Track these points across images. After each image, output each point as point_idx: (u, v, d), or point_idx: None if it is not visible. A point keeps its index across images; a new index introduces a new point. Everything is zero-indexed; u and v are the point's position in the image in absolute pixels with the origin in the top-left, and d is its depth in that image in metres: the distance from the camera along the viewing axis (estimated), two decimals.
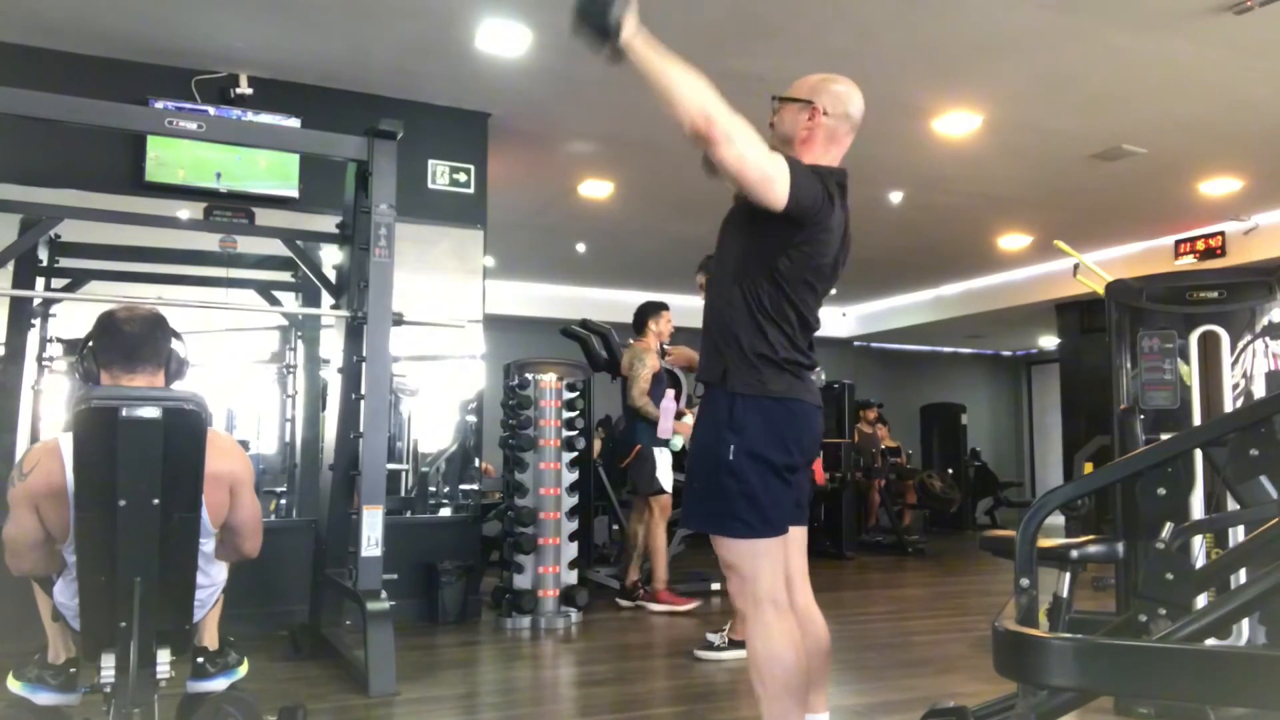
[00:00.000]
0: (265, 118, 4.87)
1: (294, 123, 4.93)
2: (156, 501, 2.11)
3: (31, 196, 4.17)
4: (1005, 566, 1.84)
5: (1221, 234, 7.79)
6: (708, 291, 2.37)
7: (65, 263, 4.71)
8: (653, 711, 3.42)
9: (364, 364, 3.91)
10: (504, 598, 4.98)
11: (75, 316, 4.60)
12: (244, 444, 4.35)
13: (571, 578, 5.14)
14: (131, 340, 2.35)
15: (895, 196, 7.06)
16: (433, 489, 5.82)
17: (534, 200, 7.34)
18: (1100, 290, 3.80)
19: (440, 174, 5.46)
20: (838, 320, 12.10)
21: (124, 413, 2.06)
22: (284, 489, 5.29)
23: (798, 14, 4.36)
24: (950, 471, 10.90)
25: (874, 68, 4.86)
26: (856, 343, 12.58)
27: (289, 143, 4.58)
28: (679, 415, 5.45)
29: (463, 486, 5.73)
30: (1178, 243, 8.13)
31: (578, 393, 5.37)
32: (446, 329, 5.33)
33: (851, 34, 4.53)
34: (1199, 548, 2.66)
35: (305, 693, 3.48)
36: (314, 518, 4.50)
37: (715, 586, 5.63)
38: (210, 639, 2.58)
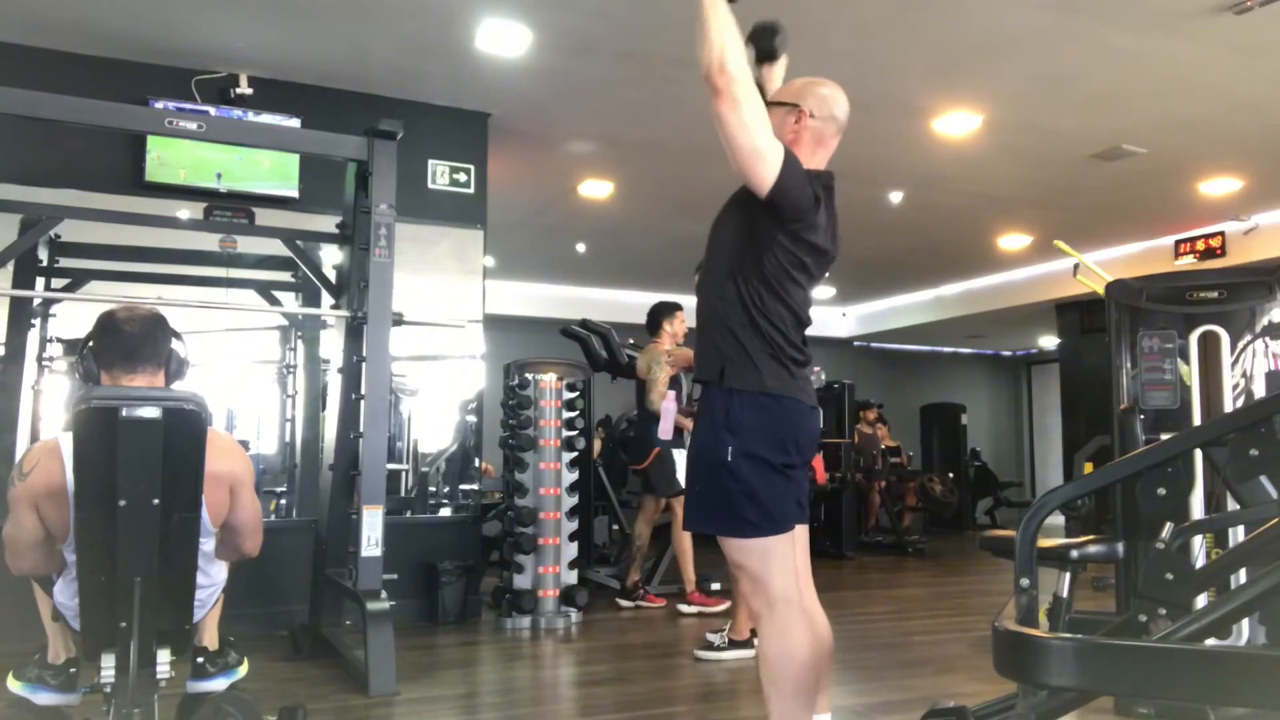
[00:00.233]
0: (265, 118, 4.87)
1: (294, 123, 4.93)
2: (156, 501, 2.11)
3: (31, 196, 4.17)
4: (1005, 566, 1.84)
5: (1221, 234, 7.79)
6: (700, 290, 2.38)
7: (65, 263, 4.71)
8: (653, 711, 3.42)
9: (364, 364, 3.91)
10: (504, 598, 4.98)
11: (75, 316, 4.60)
12: (244, 444, 4.36)
13: (571, 578, 5.14)
14: (132, 340, 2.35)
15: (895, 196, 7.06)
16: (433, 489, 5.82)
17: (534, 200, 7.34)
18: (1100, 290, 3.80)
19: (440, 174, 5.46)
20: (838, 320, 12.10)
21: (124, 413, 2.06)
22: (284, 489, 5.29)
23: (798, 14, 4.34)
24: (951, 475, 10.90)
25: (874, 68, 4.86)
26: (856, 343, 12.58)
27: (289, 143, 4.57)
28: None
29: (463, 486, 5.73)
30: (1178, 243, 8.13)
31: (578, 393, 5.37)
32: (446, 329, 5.33)
33: (851, 34, 4.53)
34: (1199, 548, 2.66)
35: (305, 693, 3.48)
36: (314, 518, 4.50)
37: (716, 586, 5.63)
38: (210, 639, 2.58)
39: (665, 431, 5.31)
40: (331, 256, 4.63)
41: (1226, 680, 1.15)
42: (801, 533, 2.37)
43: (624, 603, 5.53)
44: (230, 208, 4.92)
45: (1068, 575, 2.08)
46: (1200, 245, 7.96)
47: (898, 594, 6.71)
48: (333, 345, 4.36)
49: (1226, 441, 1.60)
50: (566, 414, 5.25)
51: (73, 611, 2.27)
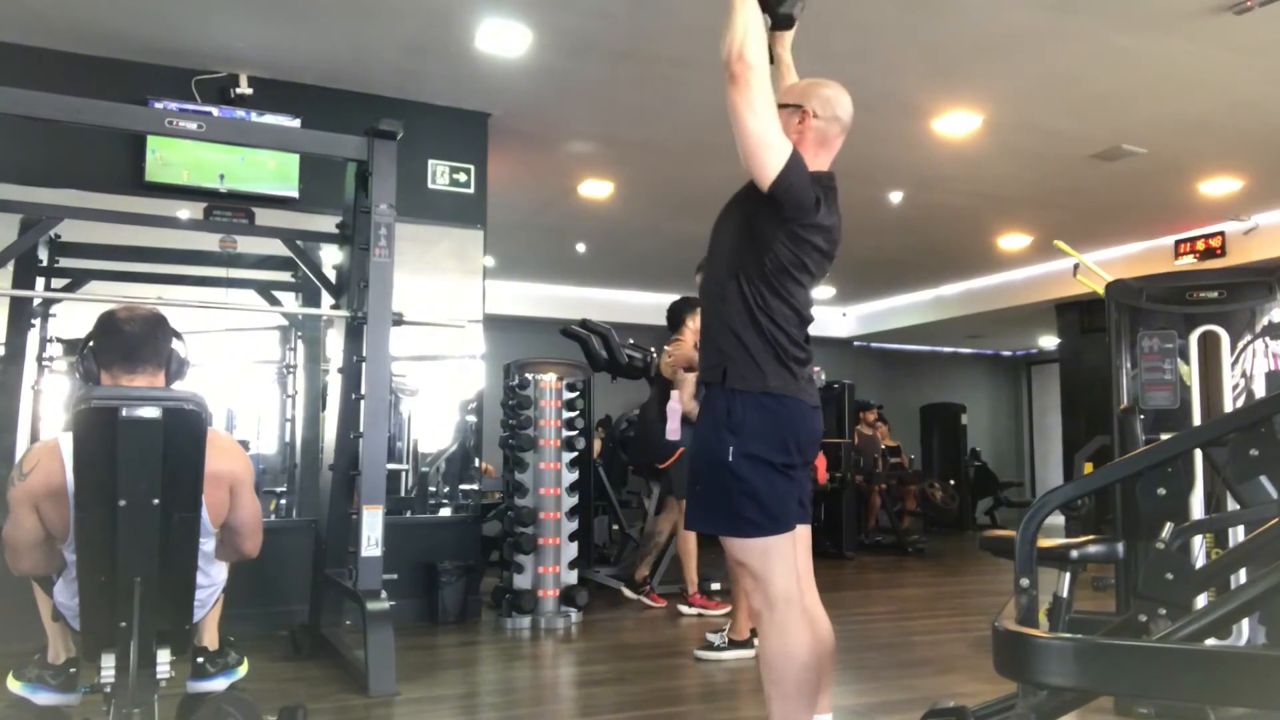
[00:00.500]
0: (265, 118, 4.87)
1: (294, 123, 4.93)
2: (156, 501, 2.11)
3: (31, 196, 4.17)
4: (1005, 566, 1.84)
5: (1221, 234, 7.79)
6: (702, 291, 2.39)
7: (65, 263, 4.71)
8: (653, 711, 3.42)
9: (364, 364, 3.91)
10: (504, 598, 4.98)
11: (75, 316, 4.60)
12: (244, 444, 4.36)
13: (571, 578, 5.14)
14: (132, 340, 2.35)
15: (895, 196, 7.06)
16: (433, 489, 5.82)
17: (534, 200, 7.34)
18: (1100, 290, 3.80)
19: (440, 174, 5.46)
20: (838, 320, 12.10)
21: (124, 412, 2.06)
22: (284, 489, 5.29)
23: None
24: (952, 482, 10.90)
25: (874, 68, 4.87)
26: (856, 343, 12.58)
27: (289, 143, 4.57)
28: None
29: (463, 486, 5.73)
30: (1178, 243, 8.13)
31: (578, 393, 5.37)
32: (446, 329, 5.33)
33: (851, 34, 4.53)
34: (1199, 548, 2.66)
35: (305, 693, 3.48)
36: (314, 518, 4.50)
37: (716, 586, 5.63)
38: (210, 639, 2.58)
39: (673, 431, 5.30)
40: (331, 256, 4.63)
41: (1226, 680, 1.15)
42: (804, 533, 2.37)
43: (628, 593, 5.53)
44: (230, 208, 4.92)
45: (1068, 575, 2.08)
46: (1200, 245, 7.96)
47: (898, 594, 6.71)
48: (333, 345, 4.35)
49: (1226, 441, 1.60)
50: (566, 414, 5.25)
51: (73, 611, 2.27)
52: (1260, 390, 3.31)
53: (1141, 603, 1.58)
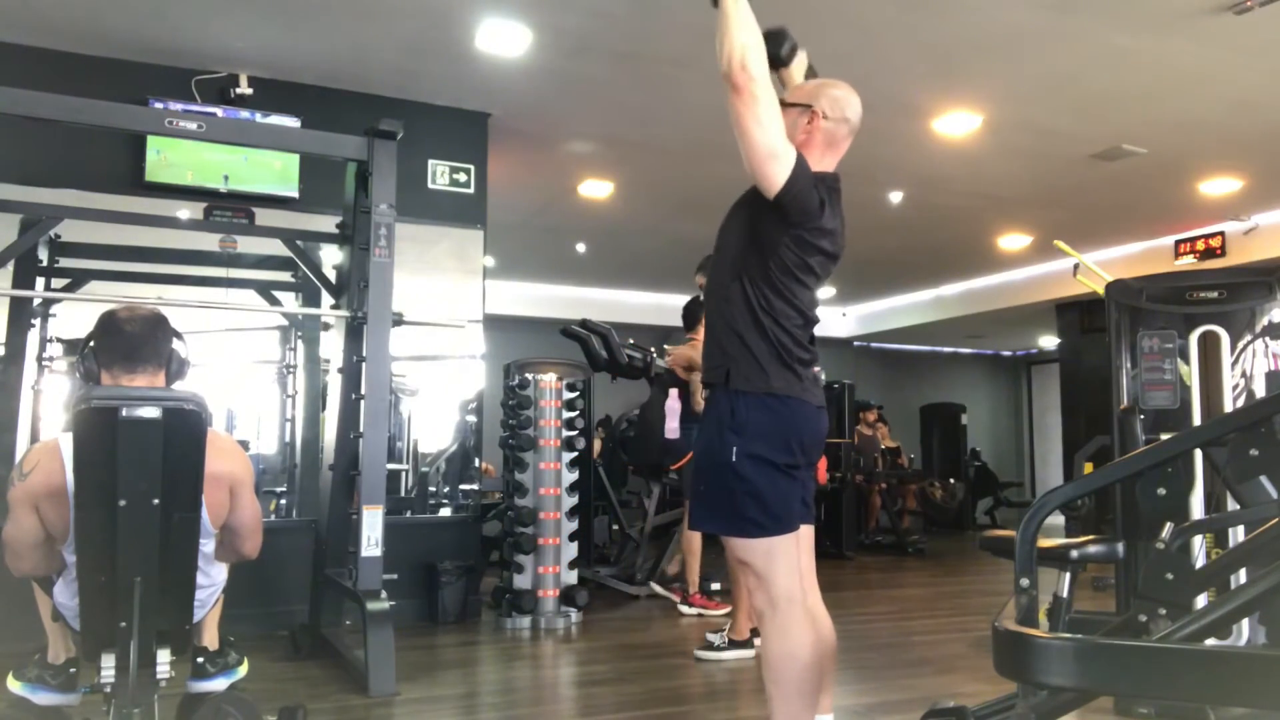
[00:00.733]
0: (268, 118, 4.87)
1: (294, 123, 4.93)
2: (156, 501, 2.11)
3: (31, 196, 4.17)
4: (1005, 566, 1.84)
5: (1221, 234, 7.79)
6: (707, 292, 2.38)
7: (65, 263, 4.71)
8: (653, 711, 3.42)
9: (364, 364, 3.91)
10: (504, 598, 4.98)
11: (75, 316, 4.60)
12: (244, 444, 4.35)
13: (571, 578, 5.14)
14: (132, 340, 2.35)
15: (895, 196, 7.06)
16: (433, 489, 5.82)
17: (534, 200, 7.34)
18: (1100, 290, 3.80)
19: (440, 174, 5.46)
20: (838, 320, 12.10)
21: (124, 413, 2.06)
22: (284, 489, 5.29)
23: (798, 14, 4.34)
24: (952, 481, 10.90)
25: (874, 68, 4.86)
26: (856, 343, 12.58)
27: (289, 143, 4.57)
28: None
29: (463, 486, 5.73)
30: (1178, 243, 8.13)
31: (578, 393, 5.37)
32: (446, 329, 5.33)
33: (851, 34, 4.53)
34: (1199, 548, 2.66)
35: (305, 693, 3.48)
36: (314, 518, 4.50)
37: (716, 586, 5.63)
38: (210, 639, 2.58)
39: (672, 431, 5.30)
40: (331, 256, 4.63)
41: (1226, 680, 1.15)
42: (807, 533, 2.37)
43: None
44: (230, 208, 4.92)
45: (1068, 575, 2.08)
46: (1200, 245, 7.96)
47: (898, 594, 6.71)
48: (333, 345, 4.35)
49: (1226, 441, 1.60)
50: (566, 414, 5.25)
51: (73, 611, 2.27)
52: (1260, 390, 3.31)
53: (1141, 603, 1.58)
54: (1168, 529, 1.61)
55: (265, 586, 4.43)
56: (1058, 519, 6.05)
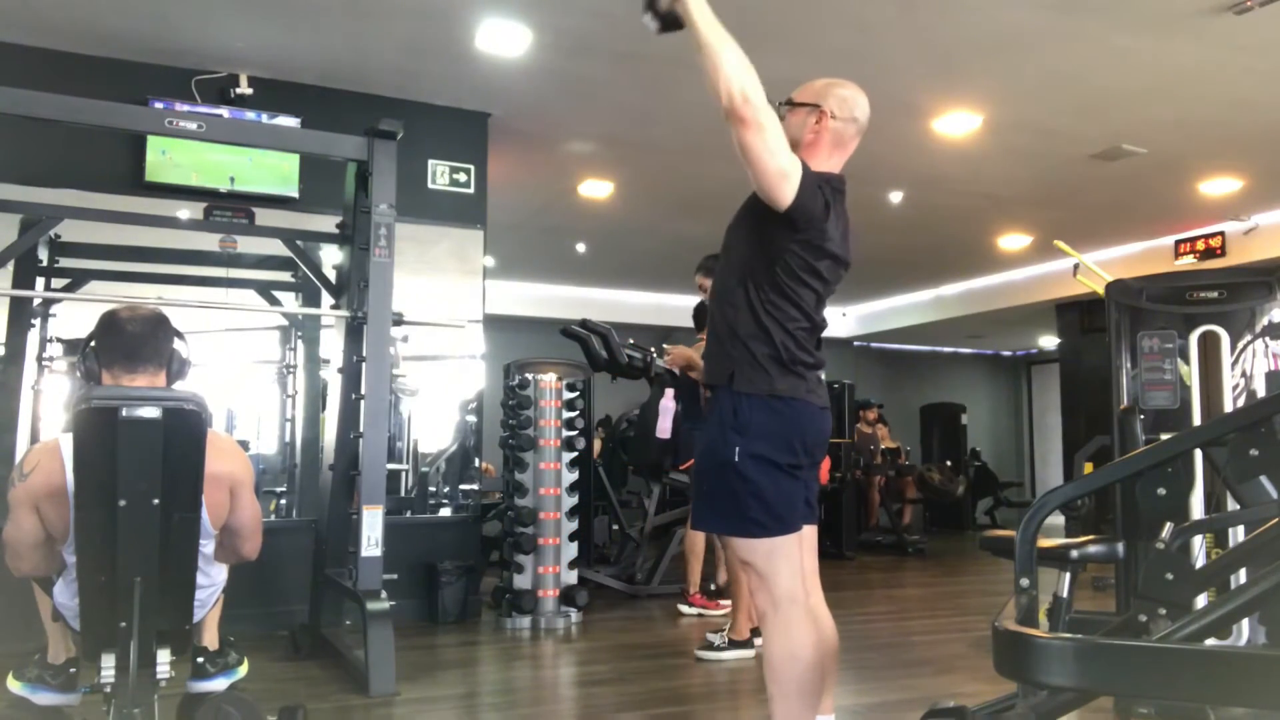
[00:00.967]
0: (268, 118, 4.88)
1: (294, 123, 4.93)
2: (156, 501, 2.11)
3: (31, 196, 4.17)
4: (1005, 566, 1.84)
5: (1221, 234, 7.79)
6: (713, 295, 2.37)
7: (65, 263, 4.71)
8: (653, 711, 3.42)
9: (364, 364, 3.91)
10: (504, 598, 4.98)
11: (75, 316, 4.60)
12: (244, 444, 4.36)
13: (571, 578, 5.14)
14: (133, 340, 2.35)
15: (895, 196, 7.06)
16: (433, 489, 5.82)
17: (534, 200, 7.34)
18: (1100, 290, 3.80)
19: (440, 174, 5.46)
20: (838, 320, 12.10)
21: (124, 413, 2.06)
22: (284, 489, 5.29)
23: (798, 14, 4.36)
24: (949, 463, 10.87)
25: (874, 68, 4.86)
26: (856, 343, 12.58)
27: (289, 143, 4.57)
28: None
29: (463, 486, 5.73)
30: (1178, 243, 8.13)
31: (578, 393, 5.37)
32: (446, 329, 5.33)
33: (851, 34, 4.53)
34: (1199, 548, 2.66)
35: (305, 693, 3.48)
36: (314, 518, 4.50)
37: (714, 587, 5.63)
38: (210, 639, 2.58)
39: (664, 430, 5.30)
40: (331, 256, 4.63)
41: (1226, 680, 1.15)
42: (810, 533, 2.37)
43: (686, 610, 5.48)
44: (230, 208, 4.92)
45: (1068, 575, 2.08)
46: (1200, 245, 7.96)
47: (898, 594, 6.71)
48: (333, 345, 4.36)
49: (1226, 441, 1.60)
50: (566, 414, 5.25)
51: (73, 611, 2.27)
52: (1260, 390, 3.31)
53: (1141, 603, 1.58)
54: (1168, 529, 1.61)
55: (265, 586, 4.43)
56: (1058, 519, 6.05)
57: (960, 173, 6.58)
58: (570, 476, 5.21)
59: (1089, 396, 8.78)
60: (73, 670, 2.49)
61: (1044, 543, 1.82)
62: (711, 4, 2.14)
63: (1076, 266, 4.57)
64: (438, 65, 4.97)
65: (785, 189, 2.07)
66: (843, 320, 12.15)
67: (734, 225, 2.32)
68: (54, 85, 3.79)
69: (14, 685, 2.46)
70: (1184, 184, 6.80)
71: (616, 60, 4.83)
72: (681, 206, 7.19)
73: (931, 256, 9.19)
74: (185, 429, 2.14)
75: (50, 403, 4.59)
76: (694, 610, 5.29)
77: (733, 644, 4.15)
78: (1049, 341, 12.20)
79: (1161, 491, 1.59)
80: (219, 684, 2.52)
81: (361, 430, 3.82)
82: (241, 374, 5.37)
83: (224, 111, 4.79)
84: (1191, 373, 3.33)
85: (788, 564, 2.17)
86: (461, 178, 5.51)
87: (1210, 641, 1.32)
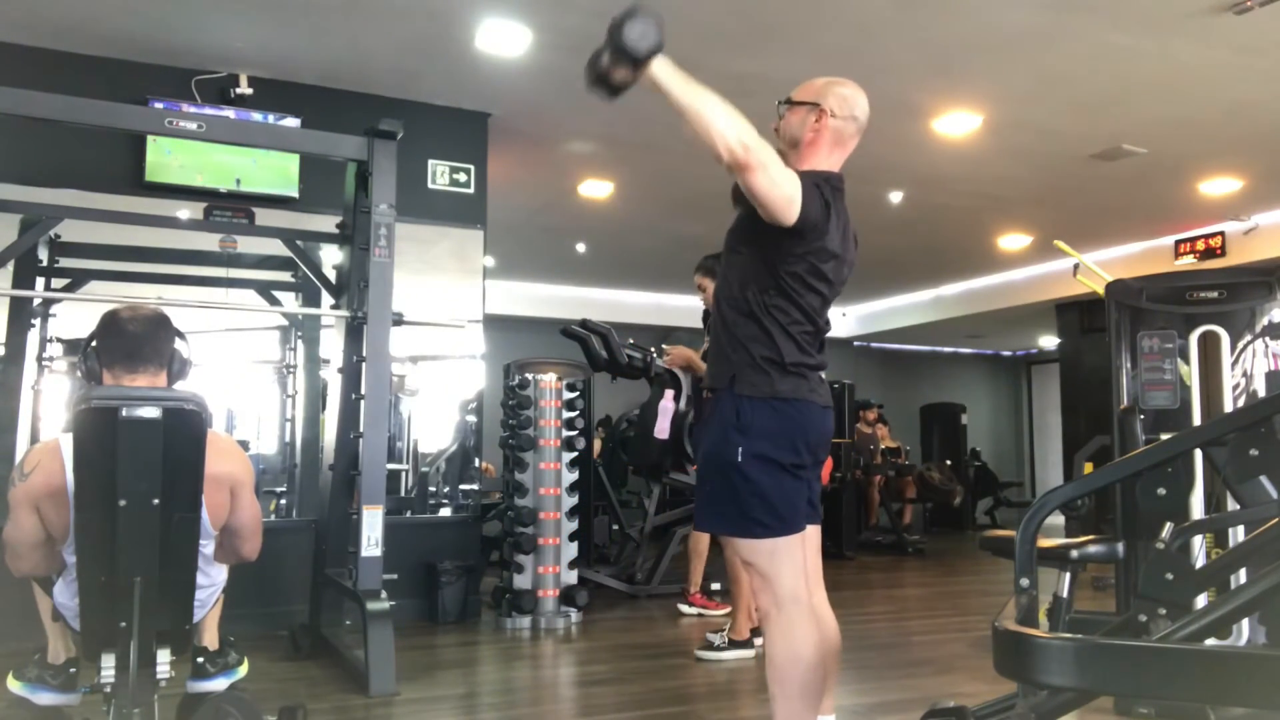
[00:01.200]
0: (277, 119, 4.89)
1: (294, 123, 4.93)
2: (156, 501, 2.11)
3: (31, 196, 4.17)
4: (1005, 566, 1.84)
5: (1221, 234, 7.79)
6: (715, 299, 2.37)
7: (65, 263, 4.71)
8: (653, 711, 3.42)
9: (364, 364, 3.91)
10: (504, 598, 4.98)
11: (75, 316, 4.60)
12: (244, 444, 4.36)
13: (571, 578, 5.14)
14: (134, 340, 2.35)
15: (895, 196, 7.06)
16: (433, 489, 5.82)
17: (534, 200, 7.34)
18: (1100, 290, 3.80)
19: (440, 174, 5.46)
20: (838, 320, 12.09)
21: (124, 412, 2.06)
22: (284, 489, 5.29)
23: (798, 14, 4.36)
24: (949, 463, 10.87)
25: (874, 68, 4.86)
26: (856, 343, 12.58)
27: (289, 143, 4.57)
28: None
29: (463, 486, 5.73)
30: (1178, 243, 8.13)
31: (578, 393, 5.37)
32: (446, 329, 5.33)
33: (851, 34, 4.53)
34: (1199, 548, 2.66)
35: (305, 693, 3.48)
36: (314, 518, 4.50)
37: (715, 586, 5.63)
38: (210, 639, 2.58)
39: (662, 431, 5.30)
40: (331, 256, 4.63)
41: (1226, 680, 1.15)
42: (813, 533, 2.37)
43: (686, 610, 5.47)
44: (230, 208, 4.92)
45: (1068, 575, 2.08)
46: (1200, 245, 7.96)
47: (898, 594, 6.72)
48: (333, 345, 4.36)
49: (1226, 441, 1.60)
50: (566, 414, 5.25)
51: (73, 611, 2.27)
52: (1260, 390, 3.31)
53: (1141, 603, 1.58)
54: (1168, 529, 1.61)
55: (265, 586, 4.43)
56: (1058, 519, 6.05)
57: (960, 173, 6.58)
58: (570, 476, 5.21)
59: (1089, 396, 8.78)
60: (73, 670, 2.48)
61: (1044, 543, 1.82)
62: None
63: (1076, 266, 4.57)
64: (438, 65, 4.97)
65: (792, 211, 2.08)
66: (843, 320, 12.15)
67: (735, 229, 2.32)
68: (54, 85, 3.79)
69: (14, 685, 2.46)
70: (1184, 184, 6.80)
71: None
72: (681, 206, 7.19)
73: (931, 256, 9.19)
74: (185, 429, 2.14)
75: (50, 403, 4.59)
76: (694, 610, 5.29)
77: (733, 644, 4.15)
78: (1049, 341, 12.20)
79: (1161, 491, 1.59)
80: (219, 684, 2.52)
81: (361, 430, 3.82)
82: (241, 374, 5.37)
83: (230, 113, 4.79)
84: (1191, 373, 3.33)
85: (791, 564, 2.17)
86: (461, 178, 5.51)
87: (1210, 641, 1.32)
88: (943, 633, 4.93)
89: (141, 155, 4.79)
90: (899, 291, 11.07)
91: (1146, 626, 1.54)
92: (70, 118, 3.67)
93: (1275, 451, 1.53)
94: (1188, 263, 7.97)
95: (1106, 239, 8.32)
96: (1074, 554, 2.05)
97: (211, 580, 2.48)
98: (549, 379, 5.23)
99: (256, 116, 4.86)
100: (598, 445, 8.15)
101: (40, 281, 4.66)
